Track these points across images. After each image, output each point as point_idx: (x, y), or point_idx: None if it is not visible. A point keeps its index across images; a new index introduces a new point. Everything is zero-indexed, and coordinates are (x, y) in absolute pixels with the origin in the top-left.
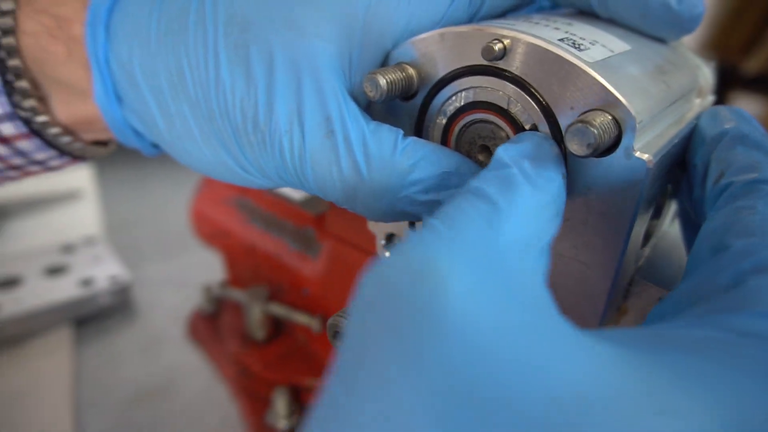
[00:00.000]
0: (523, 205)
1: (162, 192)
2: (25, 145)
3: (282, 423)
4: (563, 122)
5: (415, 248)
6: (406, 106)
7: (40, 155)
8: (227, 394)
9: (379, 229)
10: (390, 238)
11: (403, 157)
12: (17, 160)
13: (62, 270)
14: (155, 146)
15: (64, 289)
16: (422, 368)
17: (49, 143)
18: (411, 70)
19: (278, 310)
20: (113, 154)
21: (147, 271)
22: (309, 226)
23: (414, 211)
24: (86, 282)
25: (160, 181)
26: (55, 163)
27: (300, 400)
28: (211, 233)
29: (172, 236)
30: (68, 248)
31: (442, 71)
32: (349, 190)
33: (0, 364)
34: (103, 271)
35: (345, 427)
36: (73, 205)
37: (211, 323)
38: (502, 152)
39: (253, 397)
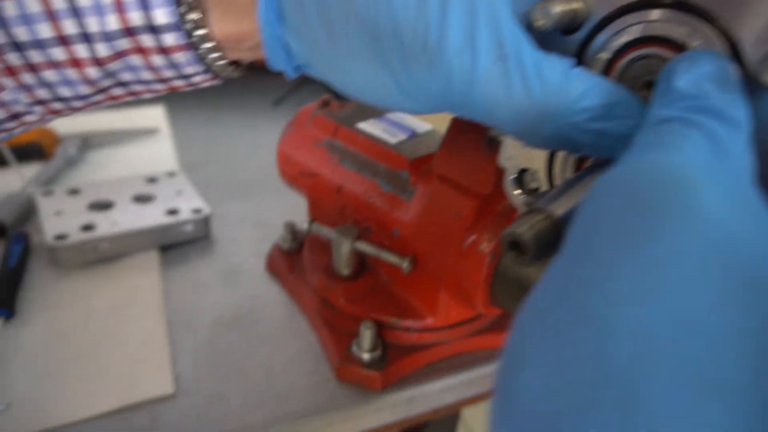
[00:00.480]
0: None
1: (230, 135)
2: (181, 57)
3: (366, 356)
4: (753, 56)
5: (661, 156)
6: (564, 39)
7: (189, 69)
8: (307, 324)
9: (512, 164)
10: (522, 173)
11: (573, 84)
12: (168, 73)
13: (149, 199)
14: (298, 69)
15: (152, 216)
16: (696, 247)
17: (200, 58)
18: (578, 3)
19: (367, 248)
20: (184, 95)
21: (222, 208)
22: (404, 169)
23: (579, 138)
24: (171, 212)
25: (228, 124)
26: (197, 79)
27: (381, 336)
28: (297, 174)
29: (242, 178)
30: (152, 180)
31: (610, 5)
32: (517, 113)
33: (98, 279)
34: (186, 203)
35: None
36: (151, 142)
37: (291, 258)
38: (684, 76)
39: (335, 328)
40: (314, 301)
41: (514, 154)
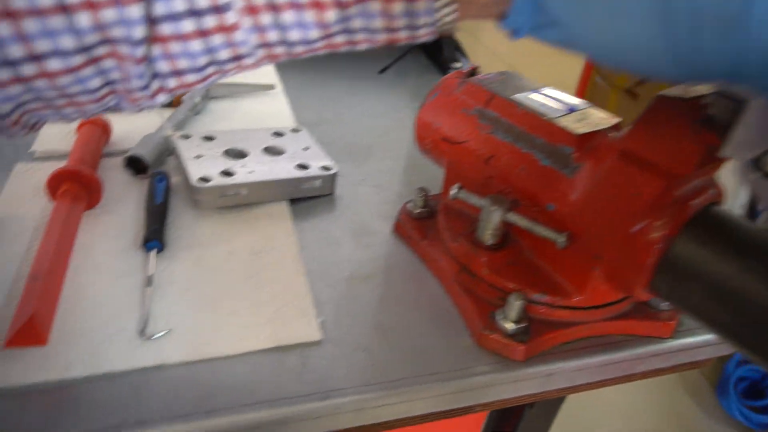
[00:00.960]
0: None
1: (337, 99)
2: (421, 6)
3: (511, 326)
4: None
5: None
6: None
7: (422, 20)
8: (440, 289)
9: (749, 147)
10: (764, 155)
11: None
12: (400, 22)
13: (279, 152)
14: (537, 28)
15: (284, 169)
16: None
17: (435, 10)
18: None
19: (519, 220)
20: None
21: (340, 168)
22: (568, 144)
23: None
24: (302, 166)
25: (335, 89)
26: (422, 32)
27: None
28: (438, 140)
29: (354, 141)
30: (279, 134)
31: None
32: None
33: (236, 223)
34: (314, 160)
35: None
36: (267, 99)
37: (422, 224)
38: None
39: (476, 296)
40: (452, 267)
41: (748, 139)
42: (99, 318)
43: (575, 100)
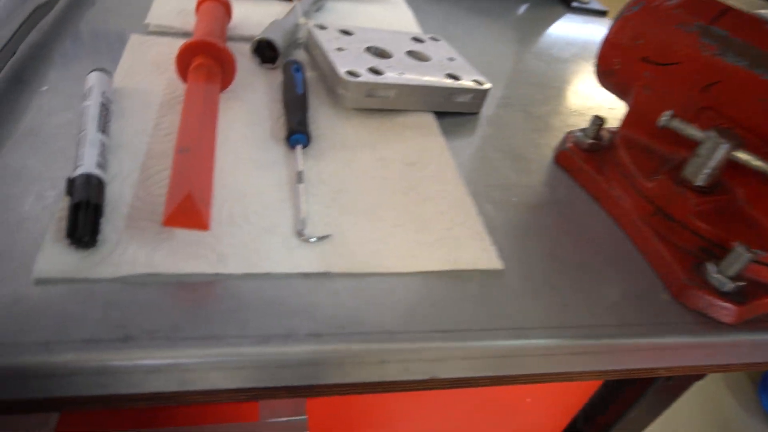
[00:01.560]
0: None
1: (466, 18)
2: None
3: (728, 284)
4: None
5: None
6: None
7: None
8: (617, 228)
9: None
10: None
11: None
12: None
13: (424, 59)
14: None
15: (434, 77)
16: None
17: None
18: None
19: (753, 160)
20: None
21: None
22: None
23: None
24: (451, 76)
25: (463, 6)
26: None
27: None
28: (635, 61)
29: (490, 63)
30: (418, 40)
31: None
32: None
33: (381, 129)
34: (463, 72)
35: None
36: (390, 7)
37: (594, 156)
38: None
39: (671, 243)
40: (642, 208)
41: None
42: (249, 210)
43: None
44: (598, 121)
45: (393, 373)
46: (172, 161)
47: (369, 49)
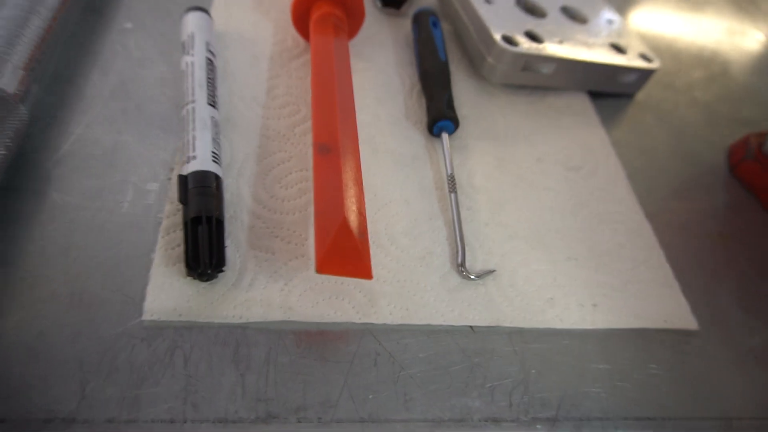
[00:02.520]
0: None
1: None
2: None
3: None
4: None
5: None
6: None
7: None
8: None
9: None
10: None
11: None
12: None
13: (581, 19)
14: None
15: (596, 50)
16: None
17: None
18: None
19: None
20: None
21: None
22: None
23: None
24: (616, 47)
25: None
26: None
27: None
28: None
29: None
30: None
31: None
32: None
33: (533, 115)
34: (626, 40)
35: None
36: None
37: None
38: None
39: None
40: None
41: None
42: (396, 227)
43: None
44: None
45: None
46: (313, 165)
47: (520, 2)
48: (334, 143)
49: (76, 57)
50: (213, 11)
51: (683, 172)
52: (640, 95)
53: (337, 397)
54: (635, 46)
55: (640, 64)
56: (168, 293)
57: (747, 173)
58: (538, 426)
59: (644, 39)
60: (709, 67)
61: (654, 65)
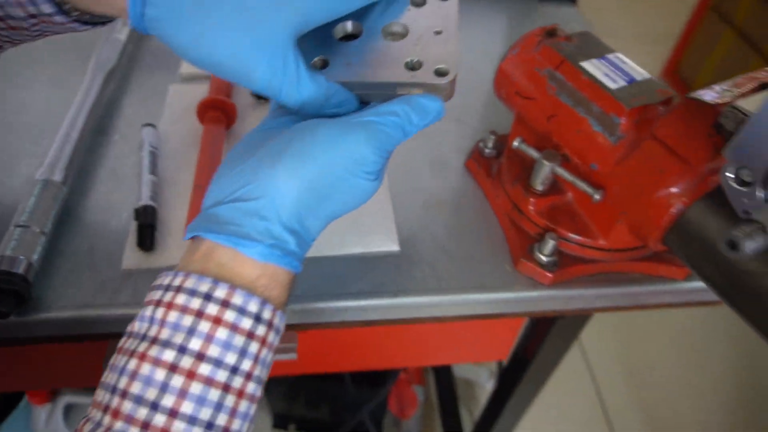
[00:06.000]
0: None
1: None
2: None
3: (545, 258)
4: None
5: None
6: None
7: (45, 8)
8: (496, 221)
9: (734, 156)
10: (741, 169)
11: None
12: (31, 8)
13: (399, 34)
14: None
15: (392, 68)
16: None
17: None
18: None
19: (566, 174)
20: None
21: None
22: (619, 115)
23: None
24: (410, 66)
25: None
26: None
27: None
28: (513, 93)
29: None
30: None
31: None
32: (295, 103)
33: None
34: (435, 52)
35: None
36: None
37: (489, 162)
38: None
39: (521, 231)
40: (506, 204)
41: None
42: None
43: (639, 72)
44: (493, 134)
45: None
46: (191, 195)
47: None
48: (204, 182)
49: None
50: (163, 120)
51: (431, 170)
52: None
53: None
54: (437, 60)
55: (426, 80)
56: (132, 257)
57: (470, 164)
58: None
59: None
60: (467, 98)
61: (441, 82)
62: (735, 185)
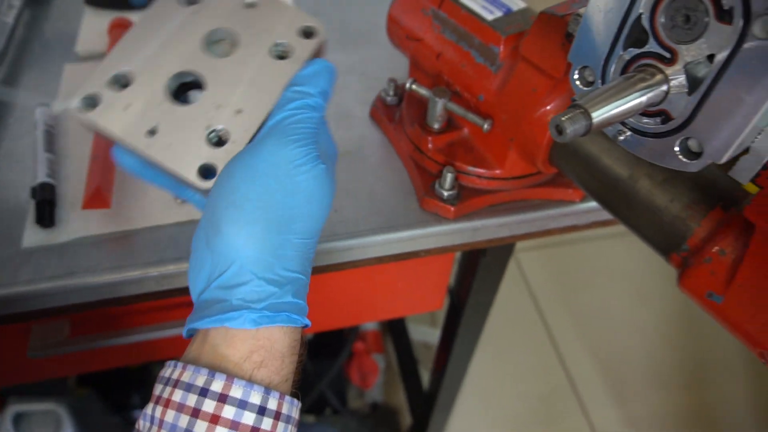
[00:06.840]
0: None
1: None
2: None
3: (445, 193)
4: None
5: None
6: None
7: None
8: (401, 164)
9: (577, 60)
10: (584, 68)
11: None
12: None
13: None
14: None
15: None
16: None
17: None
18: None
19: (456, 108)
20: None
21: (331, 57)
22: (496, 44)
23: None
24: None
25: None
26: None
27: (458, 179)
28: (403, 37)
29: (352, 30)
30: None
31: None
32: None
33: None
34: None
35: None
36: None
37: (391, 109)
38: None
39: (423, 170)
40: (408, 146)
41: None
42: (141, 187)
43: (515, 2)
44: (392, 81)
45: None
46: (88, 166)
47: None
48: (99, 153)
49: None
50: (59, 98)
51: (335, 123)
52: None
53: (111, 260)
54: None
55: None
56: (33, 235)
57: (374, 112)
58: None
59: (333, 42)
60: (374, 50)
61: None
62: (582, 87)
